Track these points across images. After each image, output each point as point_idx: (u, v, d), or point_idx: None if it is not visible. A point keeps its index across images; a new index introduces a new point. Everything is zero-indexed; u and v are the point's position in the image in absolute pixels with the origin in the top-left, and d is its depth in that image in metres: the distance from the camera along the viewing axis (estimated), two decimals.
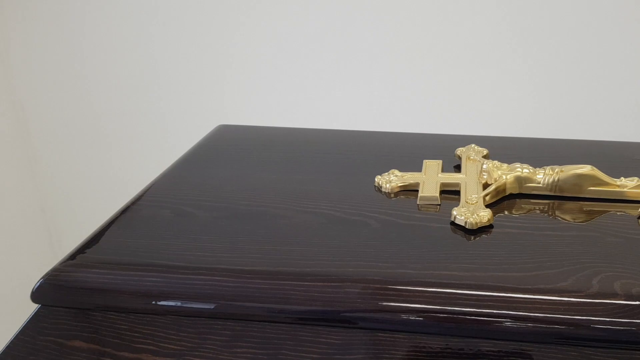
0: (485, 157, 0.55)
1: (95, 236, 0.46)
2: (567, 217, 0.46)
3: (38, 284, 0.41)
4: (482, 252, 0.41)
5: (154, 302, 0.40)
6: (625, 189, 0.48)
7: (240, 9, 0.99)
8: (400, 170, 0.53)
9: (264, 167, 0.58)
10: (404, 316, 0.37)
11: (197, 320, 0.40)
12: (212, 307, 0.39)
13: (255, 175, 0.56)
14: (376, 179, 0.52)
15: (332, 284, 0.39)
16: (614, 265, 0.39)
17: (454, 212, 0.45)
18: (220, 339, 0.39)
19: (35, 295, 0.41)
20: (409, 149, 0.60)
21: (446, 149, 0.58)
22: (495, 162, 0.50)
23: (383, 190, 0.51)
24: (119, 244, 0.44)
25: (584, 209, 0.47)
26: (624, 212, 0.46)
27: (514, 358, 0.36)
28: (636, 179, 0.48)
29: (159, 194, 0.53)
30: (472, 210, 0.45)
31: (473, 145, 0.57)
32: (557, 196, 0.49)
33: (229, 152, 0.62)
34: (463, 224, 0.44)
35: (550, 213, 0.47)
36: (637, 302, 0.35)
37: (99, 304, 0.41)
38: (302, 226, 0.46)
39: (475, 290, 0.37)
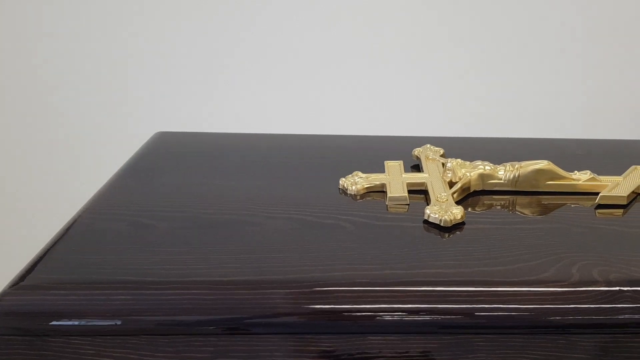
0: (442, 156, 0.56)
1: (44, 254, 0.41)
2: (532, 211, 0.47)
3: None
4: (462, 249, 0.41)
5: (125, 323, 0.36)
6: (579, 182, 0.50)
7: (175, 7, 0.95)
8: (363, 172, 0.52)
9: (217, 174, 0.55)
10: (398, 317, 0.36)
11: (174, 338, 0.37)
12: (191, 322, 0.36)
13: (210, 182, 0.53)
14: (341, 182, 0.51)
15: (321, 288, 0.37)
16: (587, 254, 0.41)
17: (427, 211, 0.45)
18: (202, 356, 0.36)
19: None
20: (366, 151, 0.60)
21: (402, 150, 0.58)
22: (459, 160, 0.51)
23: (349, 192, 0.50)
24: (75, 261, 0.40)
25: (545, 202, 0.49)
26: (580, 204, 0.49)
27: (507, 350, 0.36)
28: (588, 172, 0.50)
29: (108, 205, 0.49)
30: (444, 208, 0.45)
31: (428, 145, 0.58)
32: (517, 191, 0.50)
33: (176, 160, 0.59)
34: (438, 222, 0.44)
35: (515, 208, 0.48)
36: (617, 288, 0.37)
37: (60, 329, 0.37)
38: (276, 232, 0.44)
39: (464, 287, 0.37)
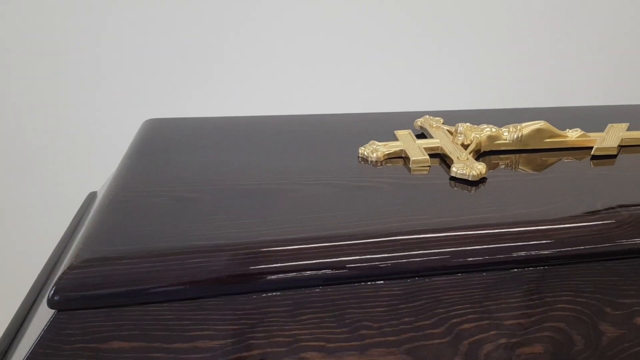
0: (443, 124, 0.60)
1: (99, 228, 0.41)
2: (541, 164, 0.52)
3: (55, 287, 0.36)
4: (495, 197, 0.45)
5: (203, 286, 0.37)
6: (573, 139, 0.55)
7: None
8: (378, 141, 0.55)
9: (232, 151, 0.56)
10: (456, 260, 0.39)
11: (252, 296, 0.38)
12: (270, 279, 0.38)
13: (229, 159, 0.54)
14: (360, 150, 0.54)
15: (384, 239, 0.39)
16: (604, 194, 0.46)
17: (454, 169, 0.49)
18: (283, 309, 0.38)
19: (56, 301, 0.36)
20: (369, 125, 0.63)
21: (403, 122, 0.62)
22: (468, 124, 0.55)
23: (370, 159, 0.53)
24: (134, 232, 0.40)
25: (549, 158, 0.54)
26: (577, 157, 0.54)
27: (554, 280, 0.41)
28: (579, 129, 0.56)
29: (136, 184, 0.48)
30: (469, 166, 0.49)
31: (427, 116, 0.62)
32: (521, 150, 0.55)
33: (183, 141, 0.59)
34: (466, 177, 0.48)
35: (525, 163, 0.53)
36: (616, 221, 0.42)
37: (137, 299, 0.36)
38: (318, 196, 0.45)
39: (509, 228, 0.41)
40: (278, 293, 0.38)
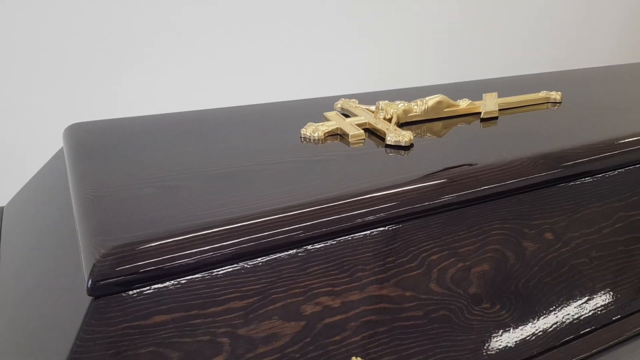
0: (359, 104, 0.69)
1: (106, 220, 0.43)
2: (447, 129, 0.64)
3: (92, 276, 0.38)
4: (426, 156, 0.56)
5: (224, 254, 0.42)
6: (464, 107, 0.68)
7: None
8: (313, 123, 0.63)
9: (184, 144, 0.59)
10: (418, 205, 0.49)
11: (266, 258, 0.43)
12: (277, 243, 0.44)
13: (184, 151, 0.57)
14: (302, 131, 0.61)
15: (365, 197, 0.47)
16: (506, 144, 0.58)
17: (389, 138, 0.58)
18: (294, 266, 0.44)
19: (95, 288, 0.38)
20: (294, 112, 0.70)
21: (321, 107, 0.70)
22: (386, 101, 0.65)
23: (312, 138, 0.60)
24: (148, 218, 0.43)
25: (451, 122, 0.66)
26: (470, 121, 0.67)
27: (487, 213, 0.52)
28: (467, 99, 0.69)
29: (108, 181, 0.50)
30: (400, 134, 0.58)
31: (342, 99, 0.71)
32: (428, 120, 0.66)
33: (126, 141, 0.60)
34: (400, 144, 0.58)
35: (436, 128, 0.64)
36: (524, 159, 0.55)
37: (169, 274, 0.40)
38: (286, 171, 0.52)
39: (448, 177, 0.51)
40: (287, 253, 0.44)
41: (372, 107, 0.67)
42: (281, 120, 0.66)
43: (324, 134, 0.61)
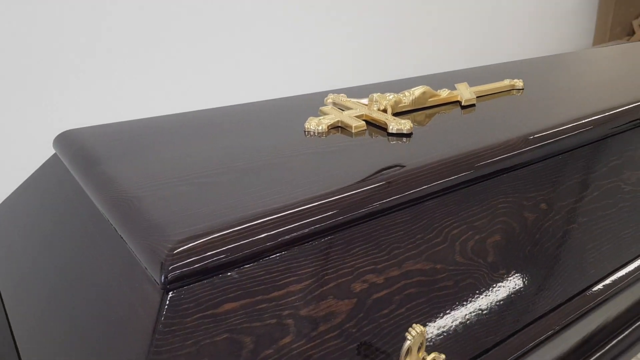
0: (349, 99, 0.73)
1: (161, 217, 0.44)
2: (436, 116, 0.69)
3: (164, 271, 0.39)
4: (428, 141, 0.60)
5: (279, 242, 0.44)
6: (444, 96, 0.73)
7: None
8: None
9: (195, 144, 0.60)
10: (439, 184, 0.53)
11: (315, 243, 0.46)
12: (321, 228, 0.46)
13: (197, 150, 0.58)
14: (306, 125, 0.64)
15: (392, 180, 0.51)
16: (469, 131, 0.64)
17: (391, 127, 0.62)
18: (339, 248, 0.47)
19: (169, 282, 0.39)
20: (288, 109, 0.72)
21: (314, 103, 0.73)
22: (378, 94, 0.69)
23: (317, 132, 0.63)
24: (200, 212, 0.44)
25: (437, 112, 0.71)
26: (452, 108, 0.72)
27: (492, 189, 0.57)
28: (446, 90, 0.74)
29: (136, 182, 0.51)
30: (400, 123, 0.63)
31: (331, 94, 0.74)
32: (415, 109, 0.71)
33: (132, 144, 0.60)
34: (402, 132, 0.62)
35: (427, 117, 0.69)
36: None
37: (234, 263, 0.42)
38: (308, 162, 0.54)
39: (458, 158, 0.56)
40: (331, 237, 0.47)
41: (362, 100, 0.71)
42: (278, 117, 0.69)
43: (327, 127, 0.64)
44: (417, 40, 1.70)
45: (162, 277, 0.39)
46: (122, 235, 0.45)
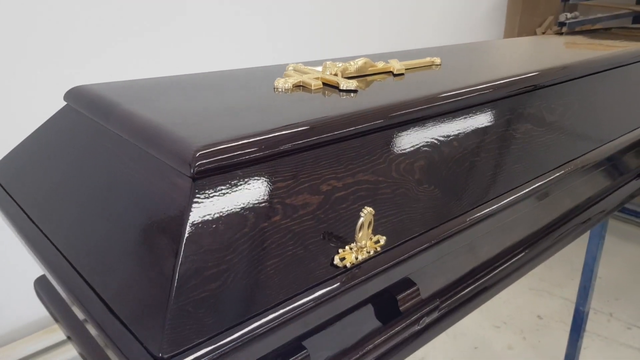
0: (306, 67, 0.91)
1: (187, 132, 0.60)
2: (375, 81, 0.88)
3: (196, 166, 0.56)
4: (368, 97, 0.79)
5: (270, 154, 0.61)
6: (381, 66, 0.93)
7: None
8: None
9: (192, 98, 0.76)
10: (414, 113, 0.72)
11: (294, 157, 0.64)
12: (301, 145, 0.64)
13: (202, 99, 0.75)
14: (275, 83, 0.81)
15: (340, 117, 0.69)
16: (417, 88, 0.84)
17: (343, 85, 0.81)
18: (311, 161, 0.65)
19: (197, 173, 0.56)
20: (253, 76, 0.89)
21: (275, 71, 0.91)
22: (330, 62, 0.88)
23: (283, 89, 0.81)
24: (213, 129, 0.61)
25: (375, 78, 0.90)
26: (387, 76, 0.92)
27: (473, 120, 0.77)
28: (382, 62, 0.94)
29: (161, 116, 0.66)
30: (349, 82, 0.81)
31: (291, 64, 0.92)
32: (359, 75, 0.90)
33: (144, 94, 0.75)
34: (352, 88, 0.80)
35: (368, 81, 0.88)
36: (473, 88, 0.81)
37: (240, 165, 0.59)
38: (283, 106, 0.72)
39: (414, 105, 0.76)
40: (305, 154, 0.65)
41: (317, 68, 0.89)
42: (250, 80, 0.86)
43: (292, 85, 0.82)
44: (361, 27, 1.94)
45: (192, 170, 0.56)
46: (152, 151, 0.61)
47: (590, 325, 2.30)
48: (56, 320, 0.79)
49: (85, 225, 0.64)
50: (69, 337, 0.75)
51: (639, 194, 1.38)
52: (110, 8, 1.52)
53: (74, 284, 0.58)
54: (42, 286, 0.88)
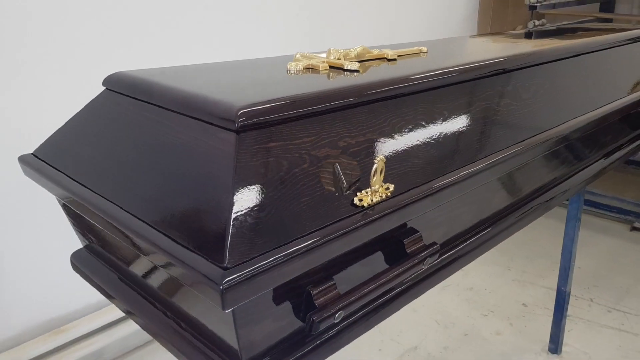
0: (312, 53, 1.03)
1: (228, 97, 0.72)
2: (372, 64, 1.01)
3: (239, 122, 0.67)
4: (371, 74, 0.92)
5: (297, 114, 0.73)
6: (377, 53, 1.06)
7: None
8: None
9: (219, 75, 0.88)
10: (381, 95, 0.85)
11: (315, 119, 0.76)
12: (321, 109, 0.76)
13: (226, 77, 0.87)
14: (288, 66, 0.94)
15: (349, 89, 0.82)
16: (410, 68, 0.97)
17: (347, 66, 0.93)
18: (328, 123, 0.77)
19: (241, 126, 0.67)
20: (266, 63, 1.02)
21: (285, 58, 1.03)
22: (334, 48, 1.00)
23: (295, 71, 0.93)
24: (250, 94, 0.73)
25: (372, 62, 1.03)
26: (383, 62, 1.05)
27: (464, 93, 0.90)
28: (377, 49, 1.07)
29: (191, 89, 0.78)
30: (352, 64, 0.94)
31: (299, 52, 1.04)
32: (360, 60, 1.03)
33: (172, 76, 0.87)
34: (355, 69, 0.93)
35: (366, 64, 1.01)
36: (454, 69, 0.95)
37: (277, 122, 0.71)
38: (300, 80, 0.85)
39: (391, 79, 0.88)
40: (331, 115, 0.77)
41: (322, 54, 1.02)
42: (266, 65, 0.98)
43: (303, 67, 0.94)
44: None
45: (236, 124, 0.67)
46: (197, 115, 0.73)
47: (572, 310, 2.44)
48: (109, 296, 0.89)
49: (139, 181, 0.75)
50: (128, 312, 0.85)
51: (603, 173, 1.51)
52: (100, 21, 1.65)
53: (142, 229, 0.68)
54: (81, 260, 0.98)
